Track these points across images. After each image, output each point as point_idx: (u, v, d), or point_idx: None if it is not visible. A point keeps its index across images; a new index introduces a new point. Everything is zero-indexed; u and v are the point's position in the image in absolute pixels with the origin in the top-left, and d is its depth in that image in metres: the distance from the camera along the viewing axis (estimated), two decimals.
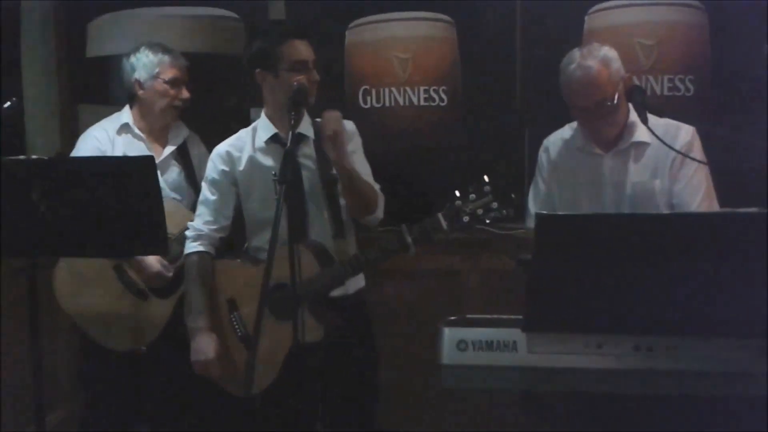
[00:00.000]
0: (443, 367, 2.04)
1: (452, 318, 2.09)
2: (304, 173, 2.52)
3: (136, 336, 2.85)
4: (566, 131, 2.62)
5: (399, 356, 3.03)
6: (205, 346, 2.51)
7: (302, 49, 2.45)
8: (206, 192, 2.62)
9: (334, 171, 2.45)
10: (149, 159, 2.46)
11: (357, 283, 2.60)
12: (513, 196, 2.23)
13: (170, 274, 2.82)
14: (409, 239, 2.33)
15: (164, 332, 2.85)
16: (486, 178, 2.24)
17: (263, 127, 2.55)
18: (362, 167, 2.54)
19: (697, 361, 1.90)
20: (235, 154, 2.57)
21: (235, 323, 2.55)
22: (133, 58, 2.92)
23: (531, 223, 2.48)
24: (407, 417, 3.18)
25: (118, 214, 2.36)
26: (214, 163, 2.61)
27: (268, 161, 2.53)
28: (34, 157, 2.52)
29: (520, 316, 1.98)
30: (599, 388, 1.97)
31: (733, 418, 1.94)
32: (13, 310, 3.12)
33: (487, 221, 2.23)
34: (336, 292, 2.49)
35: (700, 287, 1.83)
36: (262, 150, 2.55)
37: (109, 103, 3.40)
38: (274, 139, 2.53)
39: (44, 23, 3.49)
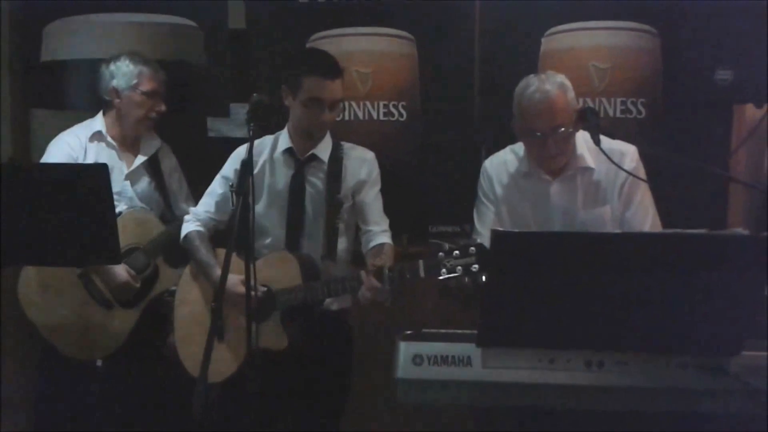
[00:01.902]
0: (398, 381, 2.05)
1: (408, 332, 2.10)
2: (309, 191, 2.60)
3: (99, 346, 2.82)
4: (508, 155, 2.61)
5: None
6: (231, 283, 2.43)
7: (322, 88, 2.48)
8: (216, 184, 2.69)
9: (340, 195, 2.55)
10: (102, 167, 2.41)
11: (342, 302, 2.63)
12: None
13: (137, 285, 2.79)
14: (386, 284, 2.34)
15: (127, 342, 2.81)
16: (478, 240, 2.27)
17: (283, 139, 2.63)
18: (373, 203, 2.61)
19: (648, 377, 1.94)
20: (253, 158, 2.57)
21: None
22: (112, 66, 2.90)
23: (479, 240, 2.53)
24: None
25: (71, 223, 2.32)
26: (233, 161, 2.66)
27: (279, 172, 2.61)
28: None
29: (475, 331, 1.99)
30: (551, 403, 2.00)
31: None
32: None
33: (466, 280, 2.23)
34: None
35: (651, 305, 1.87)
36: (277, 160, 2.62)
37: (62, 108, 3.35)
38: (289, 152, 2.61)
39: None
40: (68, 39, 3.39)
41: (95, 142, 2.94)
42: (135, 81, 2.89)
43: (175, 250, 2.91)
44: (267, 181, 2.62)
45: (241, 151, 2.64)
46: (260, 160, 2.63)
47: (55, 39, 3.41)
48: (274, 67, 3.27)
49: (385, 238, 2.59)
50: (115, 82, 2.90)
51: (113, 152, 2.94)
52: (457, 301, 2.33)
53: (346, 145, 2.68)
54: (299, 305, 2.46)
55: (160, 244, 2.89)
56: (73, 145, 2.91)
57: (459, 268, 2.20)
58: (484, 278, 2.17)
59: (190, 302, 2.67)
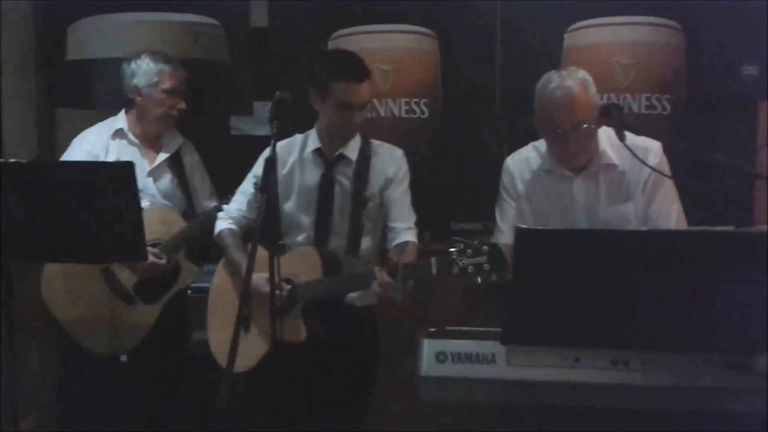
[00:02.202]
0: (421, 379, 2.05)
1: (432, 330, 2.10)
2: (338, 189, 2.63)
3: (120, 341, 2.85)
4: (530, 152, 2.59)
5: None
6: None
7: (351, 92, 2.51)
8: (246, 183, 2.72)
9: (366, 193, 2.58)
10: (128, 165, 2.45)
11: (368, 298, 2.64)
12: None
13: (164, 261, 2.80)
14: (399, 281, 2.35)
15: (148, 337, 2.83)
16: (492, 239, 2.29)
17: (312, 139, 2.66)
18: (400, 200, 2.62)
19: (674, 376, 1.93)
20: (283, 156, 2.63)
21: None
22: (134, 64, 2.93)
23: (500, 238, 2.53)
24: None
25: (96, 220, 2.35)
26: (262, 160, 2.66)
27: (309, 171, 2.64)
28: (11, 160, 2.50)
29: (499, 329, 1.99)
30: (576, 401, 1.99)
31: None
32: None
33: (478, 280, 2.23)
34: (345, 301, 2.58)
35: (678, 303, 1.86)
36: (307, 159, 2.65)
37: (87, 107, 3.38)
38: (318, 152, 2.64)
39: (24, 25, 3.46)
40: (92, 38, 3.42)
41: (117, 139, 2.97)
42: (156, 79, 2.91)
43: (196, 246, 2.94)
44: (297, 180, 2.65)
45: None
46: (290, 160, 2.66)
47: (79, 38, 3.45)
48: (296, 65, 3.28)
49: (410, 236, 2.60)
50: (136, 80, 2.92)
51: (135, 150, 2.97)
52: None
53: (375, 143, 2.69)
54: (319, 299, 2.49)
55: (181, 240, 2.91)
56: (95, 142, 2.94)
57: (471, 267, 2.20)
58: (495, 278, 2.18)
59: (222, 295, 2.71)
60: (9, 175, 2.33)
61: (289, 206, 2.64)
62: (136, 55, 2.96)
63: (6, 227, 2.32)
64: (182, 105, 2.96)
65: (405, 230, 2.61)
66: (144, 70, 2.91)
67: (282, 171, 2.63)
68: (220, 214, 2.76)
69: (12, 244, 2.34)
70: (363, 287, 2.46)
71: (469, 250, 2.21)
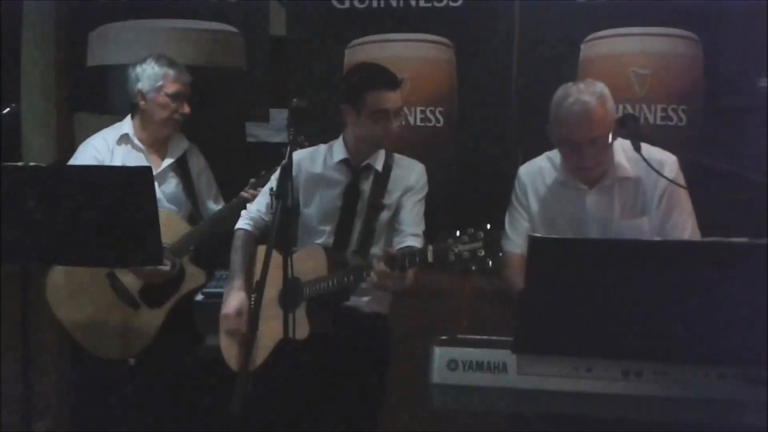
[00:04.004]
0: (433, 386, 2.04)
1: (443, 337, 2.10)
2: (362, 198, 2.68)
3: (127, 345, 2.86)
4: (544, 162, 2.59)
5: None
6: (229, 300, 2.66)
7: (386, 100, 2.56)
8: (268, 186, 2.78)
9: (384, 201, 2.63)
10: (146, 169, 2.48)
11: (377, 305, 2.68)
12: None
13: (168, 268, 2.82)
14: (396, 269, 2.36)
15: (155, 342, 2.85)
16: (488, 225, 2.26)
17: (338, 149, 2.70)
18: (412, 207, 2.65)
19: (687, 387, 1.91)
20: (306, 165, 2.70)
21: (252, 302, 2.65)
22: (138, 69, 2.94)
23: (508, 246, 2.53)
24: None
25: (114, 224, 2.37)
26: None
27: (334, 180, 2.69)
28: (32, 164, 2.53)
29: (511, 338, 1.99)
30: (587, 411, 1.98)
31: None
32: None
33: (473, 267, 2.23)
34: (349, 304, 2.61)
35: (691, 314, 1.85)
36: (331, 168, 2.69)
37: (106, 113, 3.42)
38: (344, 162, 2.68)
39: (45, 30, 3.51)
40: (113, 44, 3.47)
41: (122, 144, 2.98)
42: (160, 83, 2.92)
43: (203, 250, 2.96)
44: (320, 188, 2.69)
45: (295, 156, 2.68)
46: (314, 168, 2.71)
47: (100, 44, 3.49)
48: (313, 74, 3.31)
49: (416, 242, 2.61)
50: (140, 85, 2.94)
51: (140, 155, 2.98)
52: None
53: (397, 156, 2.75)
54: (322, 295, 2.52)
55: (186, 244, 2.93)
56: (100, 148, 2.96)
57: (466, 253, 2.21)
58: (491, 263, 2.18)
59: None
60: (29, 178, 2.36)
61: (309, 213, 2.69)
62: (141, 60, 2.97)
63: (26, 230, 2.34)
64: (186, 109, 2.96)
65: (411, 235, 2.63)
66: (148, 74, 2.93)
67: (305, 179, 2.68)
68: (243, 213, 2.80)
69: (31, 246, 2.37)
70: (360, 278, 2.46)
71: (464, 237, 2.21)
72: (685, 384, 1.92)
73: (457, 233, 2.22)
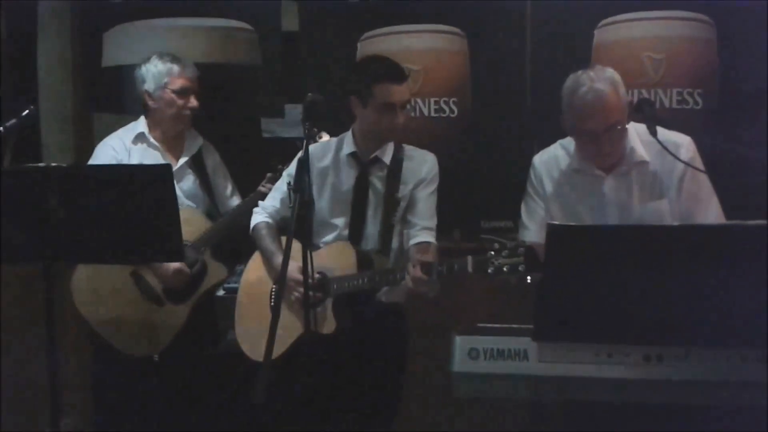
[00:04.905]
0: (454, 375, 2.06)
1: (464, 326, 2.11)
2: (372, 191, 2.68)
3: (152, 341, 2.89)
4: (558, 150, 2.57)
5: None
6: (289, 269, 2.43)
7: (393, 93, 2.56)
8: (281, 181, 2.80)
9: (399, 194, 2.63)
10: (166, 167, 2.50)
11: (394, 296, 2.67)
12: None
13: (189, 271, 2.85)
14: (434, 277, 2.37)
15: (179, 338, 2.88)
16: (526, 241, 2.30)
17: (348, 143, 2.71)
18: (425, 199, 2.66)
19: (707, 370, 1.92)
20: (316, 159, 2.69)
21: (272, 295, 2.67)
22: (143, 69, 2.96)
23: (525, 235, 2.52)
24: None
25: (135, 222, 2.40)
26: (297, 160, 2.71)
27: (344, 173, 2.70)
28: (53, 164, 2.55)
29: (531, 326, 2.00)
30: (609, 397, 1.99)
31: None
32: (16, 312, 3.15)
33: (513, 280, 2.24)
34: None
35: (710, 297, 1.85)
36: (342, 162, 2.70)
37: (123, 113, 3.44)
38: (353, 155, 2.69)
39: (61, 31, 3.54)
40: (128, 44, 3.49)
41: (139, 144, 3.00)
42: (165, 80, 2.92)
43: (224, 245, 2.99)
44: (331, 181, 2.70)
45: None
46: (324, 162, 2.71)
47: (115, 44, 3.52)
48: (326, 68, 3.32)
49: (429, 237, 2.63)
50: (146, 86, 2.94)
51: (157, 153, 3.00)
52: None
53: (408, 148, 2.73)
54: (351, 293, 2.54)
55: (207, 240, 2.94)
56: (117, 148, 2.98)
57: (506, 267, 2.22)
58: (529, 279, 2.19)
59: (250, 289, 2.76)
60: (51, 178, 2.39)
61: (322, 207, 2.70)
62: (145, 59, 2.98)
63: (48, 229, 2.37)
64: (194, 103, 2.96)
65: (424, 229, 2.64)
66: (153, 74, 2.93)
67: (315, 173, 2.68)
68: (255, 209, 2.81)
69: (54, 245, 2.40)
70: (395, 283, 2.49)
71: (505, 251, 2.23)
72: (707, 367, 1.92)
73: (497, 246, 2.23)
